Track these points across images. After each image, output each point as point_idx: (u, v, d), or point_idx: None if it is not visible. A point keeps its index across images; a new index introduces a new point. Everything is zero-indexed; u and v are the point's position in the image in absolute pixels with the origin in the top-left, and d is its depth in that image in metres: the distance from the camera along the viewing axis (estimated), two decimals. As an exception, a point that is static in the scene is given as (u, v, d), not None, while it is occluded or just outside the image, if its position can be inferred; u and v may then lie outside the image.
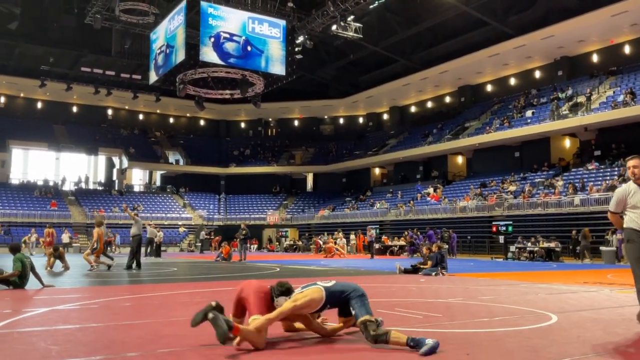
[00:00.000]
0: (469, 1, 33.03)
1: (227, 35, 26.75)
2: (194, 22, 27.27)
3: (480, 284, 11.54)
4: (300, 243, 39.82)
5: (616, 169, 28.39)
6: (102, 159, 51.77)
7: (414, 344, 4.52)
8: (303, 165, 52.22)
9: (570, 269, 18.44)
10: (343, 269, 18.10)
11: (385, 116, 52.00)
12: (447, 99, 45.96)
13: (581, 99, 32.18)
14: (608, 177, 27.84)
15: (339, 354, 4.57)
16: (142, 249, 28.10)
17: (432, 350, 4.44)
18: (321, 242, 33.16)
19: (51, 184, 46.34)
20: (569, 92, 34.05)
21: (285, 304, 4.89)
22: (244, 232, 23.33)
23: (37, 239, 31.47)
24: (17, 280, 9.94)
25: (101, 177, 51.89)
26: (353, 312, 4.89)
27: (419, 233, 30.56)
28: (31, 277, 10.26)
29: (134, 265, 16.55)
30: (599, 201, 25.63)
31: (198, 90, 32.60)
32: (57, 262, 16.63)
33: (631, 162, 5.82)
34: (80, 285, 11.83)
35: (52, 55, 41.94)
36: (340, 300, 5.00)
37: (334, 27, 30.26)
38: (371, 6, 29.49)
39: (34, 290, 9.69)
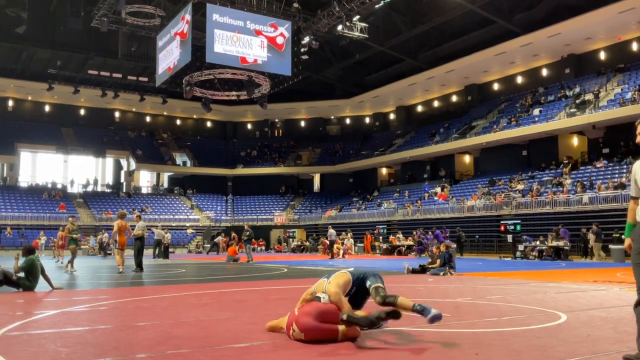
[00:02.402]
0: (474, 0, 32.94)
1: (233, 37, 26.81)
2: (200, 23, 27.36)
3: (489, 284, 11.50)
4: (307, 244, 39.84)
5: (625, 166, 28.21)
6: (109, 161, 51.99)
7: (420, 309, 5.03)
8: (310, 166, 52.22)
9: (579, 267, 18.35)
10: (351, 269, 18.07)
11: (392, 116, 51.93)
12: (454, 98, 45.84)
13: (589, 96, 32.01)
14: (617, 175, 27.69)
15: (346, 355, 4.57)
16: (150, 251, 28.38)
17: (438, 317, 4.97)
18: (328, 243, 33.15)
19: (59, 186, 46.56)
20: (577, 89, 33.89)
21: (330, 290, 5.23)
22: (247, 232, 23.44)
23: (46, 241, 31.66)
24: (27, 283, 10.00)
25: (109, 179, 52.10)
26: (367, 284, 5.37)
27: (430, 232, 30.40)
28: (40, 279, 10.32)
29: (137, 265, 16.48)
30: (607, 199, 25.51)
31: (204, 92, 32.73)
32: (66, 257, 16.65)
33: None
34: (89, 287, 11.89)
35: (59, 58, 42.16)
36: (359, 281, 5.46)
37: (339, 27, 30.25)
38: (377, 6, 29.46)
39: (44, 293, 9.75)
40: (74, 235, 17.21)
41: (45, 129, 47.04)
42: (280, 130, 56.98)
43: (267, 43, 27.72)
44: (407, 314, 6.64)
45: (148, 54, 33.31)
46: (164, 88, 35.29)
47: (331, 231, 28.25)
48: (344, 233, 35.39)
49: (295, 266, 19.31)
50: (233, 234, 33.97)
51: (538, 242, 24.88)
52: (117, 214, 16.41)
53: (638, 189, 4.25)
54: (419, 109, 49.25)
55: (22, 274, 10.06)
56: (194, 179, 51.28)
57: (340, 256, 28.58)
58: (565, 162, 32.37)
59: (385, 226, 37.42)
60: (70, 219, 18.47)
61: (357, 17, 30.12)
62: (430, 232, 29.97)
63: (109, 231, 28.81)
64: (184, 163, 51.93)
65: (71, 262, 16.45)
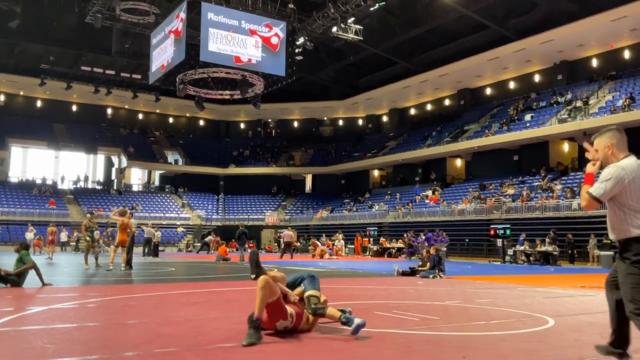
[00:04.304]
0: (469, 4, 33.06)
1: (228, 36, 26.77)
2: (195, 22, 27.30)
3: (478, 287, 11.54)
4: (298, 244, 39.81)
5: (615, 173, 28.40)
6: (101, 158, 51.76)
7: (345, 320, 5.26)
8: (302, 167, 52.21)
9: (567, 272, 18.45)
10: (340, 270, 18.10)
11: (385, 118, 52.03)
12: (447, 102, 45.99)
13: (580, 103, 32.22)
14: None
15: (332, 354, 4.58)
16: (140, 249, 28.28)
17: (362, 325, 5.19)
18: (319, 244, 33.19)
19: (50, 182, 46.30)
20: (568, 96, 34.10)
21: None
22: (238, 232, 23.64)
23: (35, 236, 31.38)
24: (15, 278, 9.95)
25: (100, 176, 51.87)
26: (303, 289, 5.60)
27: (422, 235, 30.46)
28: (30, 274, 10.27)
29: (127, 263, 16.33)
30: (597, 206, 25.67)
31: (198, 90, 32.63)
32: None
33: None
34: (78, 284, 11.84)
35: (52, 54, 41.92)
36: (295, 285, 5.73)
37: (334, 29, 30.25)
38: (372, 8, 29.47)
39: (32, 289, 9.69)
40: (88, 233, 16.71)
41: (37, 125, 46.76)
42: (273, 131, 56.92)
43: (262, 43, 27.71)
44: (399, 315, 6.67)
45: (142, 51, 33.18)
46: (157, 86, 35.15)
47: (286, 232, 28.73)
48: (335, 234, 35.43)
49: (285, 267, 19.29)
50: (218, 239, 34.16)
51: (527, 246, 25.05)
52: (120, 211, 16.10)
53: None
54: (412, 111, 49.38)
55: (14, 269, 10.03)
56: (185, 178, 51.12)
57: (320, 257, 28.69)
58: (542, 174, 32.48)
59: (376, 228, 37.46)
60: (88, 215, 17.82)
61: (352, 19, 30.15)
62: (421, 235, 30.07)
63: (101, 228, 28.71)
64: (176, 161, 51.76)
65: (85, 258, 16.08)
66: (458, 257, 30.04)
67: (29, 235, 31.06)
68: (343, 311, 5.48)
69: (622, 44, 33.38)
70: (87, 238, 16.51)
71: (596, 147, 3.93)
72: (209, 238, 37.72)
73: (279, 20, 28.57)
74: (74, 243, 36.33)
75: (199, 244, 38.90)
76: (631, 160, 3.70)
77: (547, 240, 24.25)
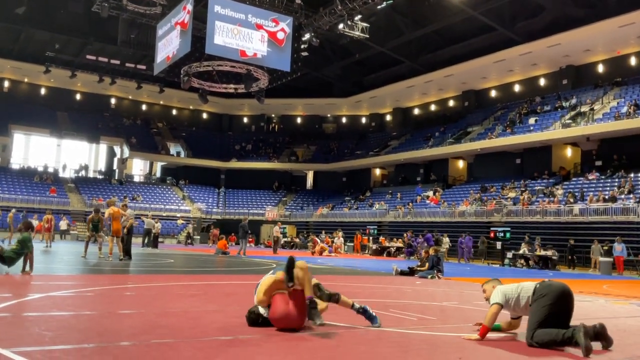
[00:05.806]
0: (476, 6, 32.97)
1: (234, 29, 26.74)
2: (201, 14, 27.28)
3: (476, 289, 11.51)
4: (297, 240, 39.85)
5: (616, 180, 28.40)
6: (103, 147, 51.78)
7: (361, 311, 5.61)
8: (304, 163, 52.21)
9: (566, 277, 18.43)
10: (339, 267, 18.11)
11: (388, 117, 51.99)
12: (451, 103, 45.94)
13: (585, 108, 32.17)
14: (608, 188, 27.85)
15: (328, 351, 4.58)
16: (139, 239, 28.33)
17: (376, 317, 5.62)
18: (319, 241, 33.21)
19: (51, 170, 46.33)
20: (573, 101, 34.04)
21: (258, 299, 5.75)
22: (241, 225, 23.74)
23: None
24: (14, 255, 9.82)
25: (102, 166, 51.90)
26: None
27: (421, 235, 30.45)
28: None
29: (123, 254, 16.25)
30: (598, 211, 25.67)
31: (202, 83, 32.66)
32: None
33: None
34: (76, 272, 11.85)
35: (57, 41, 41.87)
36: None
37: (340, 26, 30.22)
38: (379, 7, 29.40)
39: (29, 276, 9.69)
40: (90, 226, 16.49)
41: (40, 112, 46.77)
42: (276, 126, 56.90)
43: (268, 37, 27.67)
44: (396, 314, 6.66)
45: (147, 42, 33.11)
46: (161, 77, 35.15)
47: (275, 228, 29.57)
48: (334, 232, 35.44)
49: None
50: (216, 231, 34.43)
51: (526, 250, 25.05)
52: (107, 202, 16.16)
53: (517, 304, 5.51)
54: (416, 111, 49.34)
55: (14, 247, 9.95)
56: (187, 170, 51.14)
57: (320, 254, 28.72)
58: (523, 189, 32.34)
59: (376, 227, 37.47)
60: (93, 213, 17.34)
61: (359, 16, 30.09)
62: (421, 235, 30.06)
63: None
64: (178, 153, 51.79)
65: (85, 247, 15.95)
66: (455, 258, 29.99)
67: (33, 222, 31.11)
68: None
69: (629, 51, 33.30)
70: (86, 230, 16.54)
71: (485, 289, 5.83)
72: (189, 226, 38.52)
73: (286, 15, 28.52)
74: (74, 232, 36.42)
75: (198, 237, 39.03)
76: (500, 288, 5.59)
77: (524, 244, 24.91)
